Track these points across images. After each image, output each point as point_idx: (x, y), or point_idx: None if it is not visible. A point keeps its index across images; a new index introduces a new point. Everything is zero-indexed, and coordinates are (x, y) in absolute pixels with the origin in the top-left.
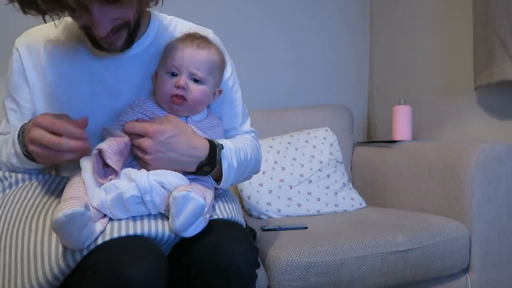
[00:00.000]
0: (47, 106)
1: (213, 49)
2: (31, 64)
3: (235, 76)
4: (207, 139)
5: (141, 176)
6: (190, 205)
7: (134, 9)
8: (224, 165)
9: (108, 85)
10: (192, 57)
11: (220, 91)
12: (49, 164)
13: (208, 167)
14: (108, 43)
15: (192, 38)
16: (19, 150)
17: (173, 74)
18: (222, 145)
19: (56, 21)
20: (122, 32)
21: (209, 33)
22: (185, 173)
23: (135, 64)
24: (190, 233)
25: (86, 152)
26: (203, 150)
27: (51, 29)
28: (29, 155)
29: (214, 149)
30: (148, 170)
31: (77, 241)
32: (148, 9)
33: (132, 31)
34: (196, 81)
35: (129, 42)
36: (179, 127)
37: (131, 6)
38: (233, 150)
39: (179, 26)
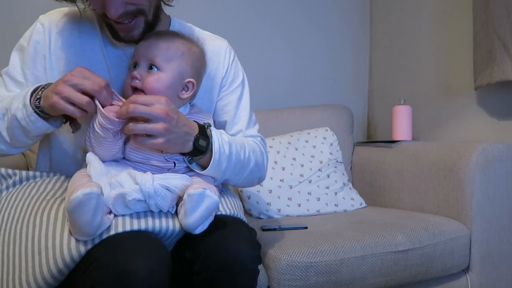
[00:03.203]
0: None
1: (176, 39)
2: (53, 40)
3: (245, 85)
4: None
5: (146, 180)
6: (205, 202)
7: None
8: (214, 146)
9: (124, 77)
10: (148, 46)
11: (194, 83)
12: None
13: (203, 141)
14: (125, 31)
15: (155, 32)
16: (28, 102)
17: (134, 67)
18: (208, 123)
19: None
20: (138, 19)
21: (224, 42)
22: (184, 158)
23: None
24: (199, 230)
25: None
26: (193, 124)
27: (75, 12)
28: (38, 111)
29: (201, 126)
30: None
31: (90, 224)
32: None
33: (151, 21)
34: (152, 69)
35: (147, 33)
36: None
37: None
38: (224, 135)
39: (195, 34)
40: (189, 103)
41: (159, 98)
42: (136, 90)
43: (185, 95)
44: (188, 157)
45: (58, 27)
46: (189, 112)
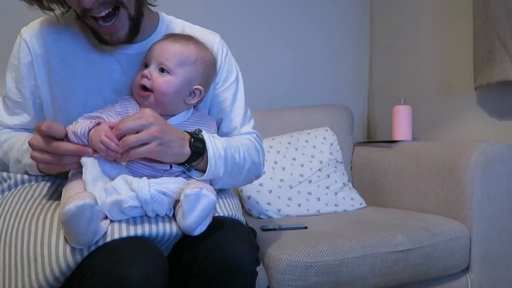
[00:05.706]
0: (52, 97)
1: (191, 45)
2: (38, 54)
3: (239, 80)
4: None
5: (142, 187)
6: (202, 202)
7: None
8: (209, 149)
9: (114, 80)
10: (162, 48)
11: (201, 91)
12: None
13: (198, 142)
14: (110, 34)
15: (171, 35)
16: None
17: (146, 67)
18: (199, 129)
19: (59, 16)
20: (121, 15)
21: (215, 37)
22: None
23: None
24: (198, 231)
25: (87, 154)
26: (183, 132)
27: (54, 20)
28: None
29: (191, 132)
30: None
31: (85, 234)
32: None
33: (134, 16)
34: (163, 72)
35: (133, 32)
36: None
37: None
38: (216, 139)
39: (186, 29)
40: (193, 107)
41: (143, 110)
42: (145, 88)
43: (191, 101)
44: (187, 165)
45: (39, 39)
46: (191, 116)
